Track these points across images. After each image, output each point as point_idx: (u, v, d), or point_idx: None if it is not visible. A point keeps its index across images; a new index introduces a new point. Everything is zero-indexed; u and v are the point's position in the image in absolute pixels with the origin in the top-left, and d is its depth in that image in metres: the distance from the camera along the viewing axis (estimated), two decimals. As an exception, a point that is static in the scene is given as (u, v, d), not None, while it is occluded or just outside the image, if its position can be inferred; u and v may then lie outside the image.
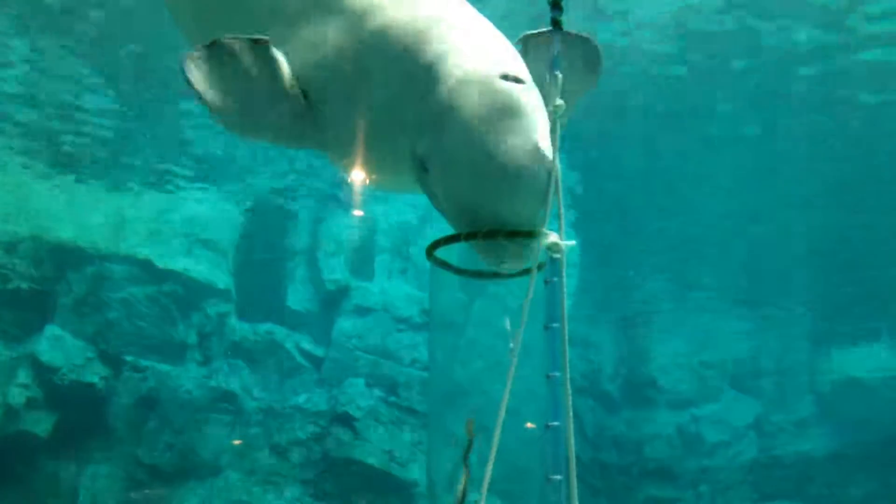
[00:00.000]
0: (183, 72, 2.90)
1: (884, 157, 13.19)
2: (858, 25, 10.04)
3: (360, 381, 16.11)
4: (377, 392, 15.96)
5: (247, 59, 2.95)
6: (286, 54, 3.06)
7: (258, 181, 15.80)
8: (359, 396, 15.81)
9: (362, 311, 17.10)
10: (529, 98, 2.41)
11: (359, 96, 2.84)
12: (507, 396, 2.07)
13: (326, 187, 15.88)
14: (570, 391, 2.28)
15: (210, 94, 2.90)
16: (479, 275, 2.70)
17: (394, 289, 17.55)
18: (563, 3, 2.54)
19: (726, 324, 20.71)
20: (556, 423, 2.14)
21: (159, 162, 14.93)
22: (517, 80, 2.42)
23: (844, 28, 10.11)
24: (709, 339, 20.44)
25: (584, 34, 3.22)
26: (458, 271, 2.67)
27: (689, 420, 19.65)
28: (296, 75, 3.01)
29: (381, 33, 2.82)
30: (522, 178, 2.31)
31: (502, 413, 2.07)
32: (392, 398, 15.93)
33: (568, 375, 2.31)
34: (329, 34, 2.98)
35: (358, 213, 17.23)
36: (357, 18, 2.92)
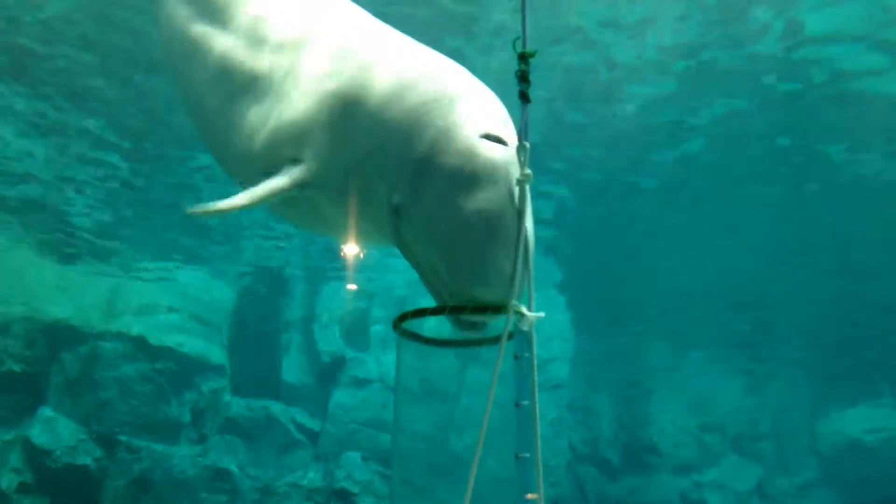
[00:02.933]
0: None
1: (879, 219, 13.28)
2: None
3: (357, 455, 15.90)
4: (374, 466, 15.74)
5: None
6: (280, 99, 3.17)
7: (251, 255, 15.85)
8: (356, 471, 15.58)
9: (358, 383, 16.99)
10: (507, 163, 2.37)
11: (347, 139, 2.85)
12: (472, 480, 2.05)
13: (320, 260, 15.93)
14: (541, 473, 2.24)
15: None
16: (447, 344, 2.64)
17: (389, 359, 17.46)
18: (529, 77, 2.51)
19: (725, 387, 20.55)
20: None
21: (152, 238, 14.99)
22: (499, 141, 2.40)
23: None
24: (708, 402, 20.26)
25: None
26: (428, 341, 2.63)
27: (692, 486, 19.34)
28: (293, 147, 3.07)
29: (366, 84, 2.83)
30: (495, 237, 2.27)
31: (468, 496, 2.05)
32: (389, 472, 15.69)
33: (539, 456, 2.27)
34: (318, 90, 3.02)
35: (352, 286, 17.25)
36: (343, 72, 2.96)
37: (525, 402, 2.32)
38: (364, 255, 15.61)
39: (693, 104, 10.20)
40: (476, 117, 2.49)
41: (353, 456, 15.86)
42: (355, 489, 15.26)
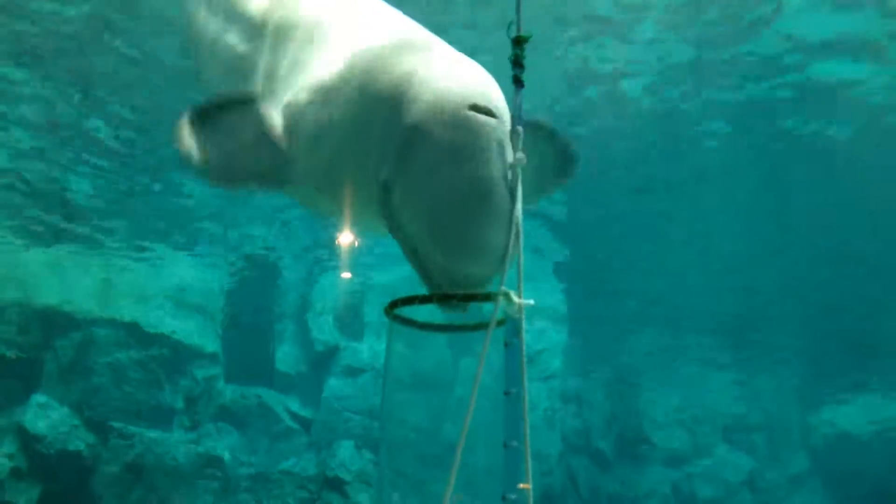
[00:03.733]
0: (176, 135, 3.02)
1: (871, 210, 13.31)
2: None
3: (350, 444, 15.93)
4: (367, 454, 15.77)
5: (234, 115, 3.08)
6: (271, 96, 3.17)
7: (245, 243, 15.83)
8: (349, 459, 15.61)
9: (352, 372, 17.01)
10: (495, 133, 2.36)
11: (330, 121, 2.83)
12: (455, 468, 2.05)
13: (314, 248, 15.92)
14: (529, 461, 2.24)
15: (198, 152, 2.99)
16: (440, 328, 2.62)
17: (383, 348, 17.44)
18: (523, 62, 2.49)
19: (717, 378, 20.63)
20: (513, 497, 2.11)
21: (147, 226, 14.96)
22: (488, 113, 2.38)
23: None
24: (700, 393, 20.34)
25: (565, 139, 3.27)
26: (421, 326, 2.61)
27: (684, 477, 19.43)
28: (277, 117, 3.09)
29: (349, 58, 2.82)
30: (482, 209, 2.27)
31: (450, 490, 2.04)
32: (378, 460, 15.73)
33: (528, 444, 2.27)
34: (302, 66, 3.05)
35: (346, 275, 17.24)
36: (324, 45, 2.97)
37: (514, 390, 2.31)
38: (359, 244, 15.61)
39: (685, 94, 10.22)
40: (463, 89, 2.45)
41: (346, 444, 15.89)
42: (348, 477, 15.29)
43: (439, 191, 2.31)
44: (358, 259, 16.38)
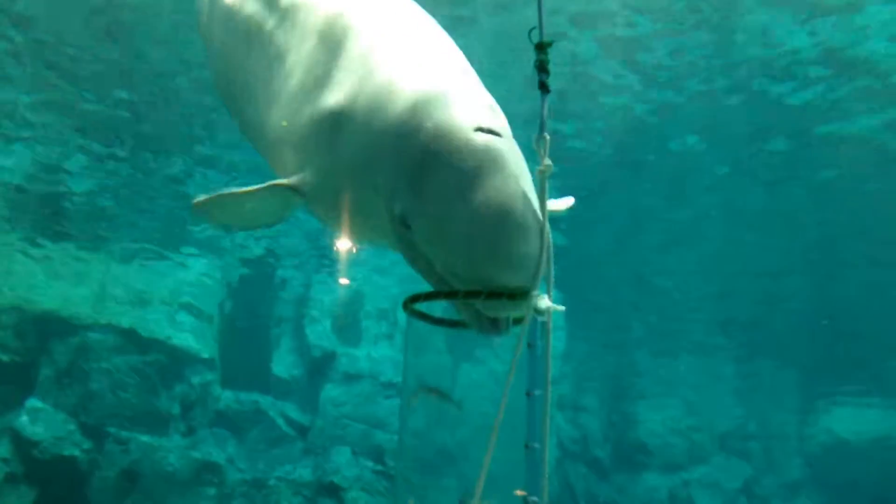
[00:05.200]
0: (198, 211, 3.12)
1: (865, 219, 13.35)
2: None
3: (347, 450, 15.87)
4: (364, 461, 15.71)
5: (266, 197, 3.14)
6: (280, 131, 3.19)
7: (243, 249, 15.81)
8: (345, 466, 15.54)
9: (349, 378, 16.96)
10: (506, 150, 2.35)
11: (337, 158, 2.83)
12: (486, 466, 2.03)
13: (312, 255, 15.90)
14: (546, 462, 2.23)
15: (220, 221, 3.08)
16: (459, 324, 2.58)
17: (380, 354, 17.45)
18: (549, 67, 2.48)
19: (714, 387, 20.65)
20: (534, 499, 2.09)
21: (144, 231, 14.94)
22: (492, 133, 2.37)
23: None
24: (697, 402, 20.35)
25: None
26: (438, 322, 2.59)
27: (681, 484, 19.42)
28: (291, 158, 3.11)
29: (353, 91, 2.81)
30: (504, 231, 2.23)
31: (481, 484, 2.03)
32: (379, 467, 15.67)
33: (547, 445, 2.26)
34: (306, 99, 3.04)
35: (344, 280, 17.22)
36: (331, 78, 2.94)
37: (537, 392, 2.30)
38: (356, 251, 15.60)
39: (684, 101, 10.24)
40: (465, 112, 2.44)
41: (343, 451, 15.83)
42: (345, 484, 15.23)
43: (463, 213, 2.27)
44: (356, 266, 16.37)
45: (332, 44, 3.06)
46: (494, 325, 2.39)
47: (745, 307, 17.74)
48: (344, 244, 16.69)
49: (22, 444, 13.71)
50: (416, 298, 2.43)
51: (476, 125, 2.37)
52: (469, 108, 2.47)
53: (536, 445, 2.22)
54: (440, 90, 2.57)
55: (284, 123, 3.16)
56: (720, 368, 20.57)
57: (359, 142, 2.71)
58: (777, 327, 18.48)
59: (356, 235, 3.15)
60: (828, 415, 20.24)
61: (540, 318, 2.34)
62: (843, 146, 10.99)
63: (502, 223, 2.24)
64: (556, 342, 18.09)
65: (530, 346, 2.36)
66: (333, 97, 2.89)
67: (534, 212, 2.31)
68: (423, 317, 2.56)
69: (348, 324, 17.62)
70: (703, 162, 11.73)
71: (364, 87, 2.78)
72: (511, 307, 2.31)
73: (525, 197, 2.30)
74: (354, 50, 2.96)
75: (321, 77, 3.01)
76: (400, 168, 2.47)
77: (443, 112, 2.46)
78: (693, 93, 9.98)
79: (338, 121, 2.83)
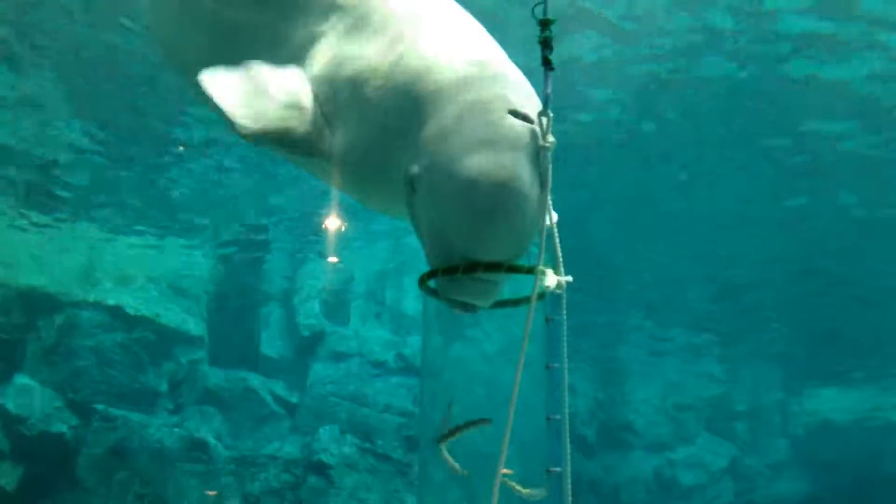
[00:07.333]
0: (204, 88, 2.96)
1: (848, 201, 13.46)
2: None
3: (335, 428, 15.93)
4: (352, 439, 15.77)
5: (277, 83, 3.05)
6: (309, 66, 3.14)
7: (232, 227, 15.72)
8: (333, 444, 15.60)
9: (338, 357, 16.99)
10: (527, 137, 2.40)
11: (370, 113, 2.86)
12: (507, 439, 2.05)
13: (301, 232, 15.84)
14: (568, 432, 2.25)
15: (235, 111, 2.95)
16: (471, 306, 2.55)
17: (369, 333, 17.47)
18: (552, 43, 2.50)
19: (700, 367, 20.81)
20: (556, 469, 2.12)
21: (132, 207, 14.82)
22: (526, 119, 2.42)
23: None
24: (683, 382, 20.52)
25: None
26: (450, 301, 2.54)
27: (665, 464, 19.63)
28: (315, 91, 3.07)
29: (398, 56, 2.84)
30: (496, 203, 2.28)
31: (504, 454, 2.05)
32: (367, 445, 15.74)
33: (567, 416, 2.28)
34: (351, 55, 3.03)
35: (333, 259, 17.18)
36: (377, 40, 2.97)
37: (556, 365, 2.32)
38: (346, 229, 15.56)
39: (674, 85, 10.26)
40: (504, 93, 2.51)
41: (332, 429, 15.89)
42: (332, 462, 15.30)
43: (459, 181, 2.32)
44: (345, 244, 16.33)
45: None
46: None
47: (733, 287, 17.86)
48: (333, 222, 16.67)
49: (9, 420, 13.67)
50: (431, 274, 2.44)
51: (511, 108, 2.42)
52: (510, 91, 2.54)
53: (558, 417, 2.23)
54: (487, 68, 2.67)
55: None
56: (706, 349, 20.73)
57: (397, 103, 2.76)
58: (765, 307, 18.62)
59: (370, 192, 3.17)
60: (812, 395, 20.46)
61: (556, 291, 2.38)
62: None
63: (494, 195, 2.29)
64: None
65: (548, 320, 2.38)
66: (389, 44, 2.92)
67: (531, 196, 2.34)
68: (437, 294, 2.56)
69: (337, 303, 17.62)
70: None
71: (409, 54, 2.82)
72: (489, 288, 2.37)
73: (526, 181, 2.34)
74: (401, 11, 3.03)
75: (378, 24, 3.03)
76: (431, 129, 2.53)
77: (483, 91, 2.53)
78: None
79: (380, 76, 2.86)
